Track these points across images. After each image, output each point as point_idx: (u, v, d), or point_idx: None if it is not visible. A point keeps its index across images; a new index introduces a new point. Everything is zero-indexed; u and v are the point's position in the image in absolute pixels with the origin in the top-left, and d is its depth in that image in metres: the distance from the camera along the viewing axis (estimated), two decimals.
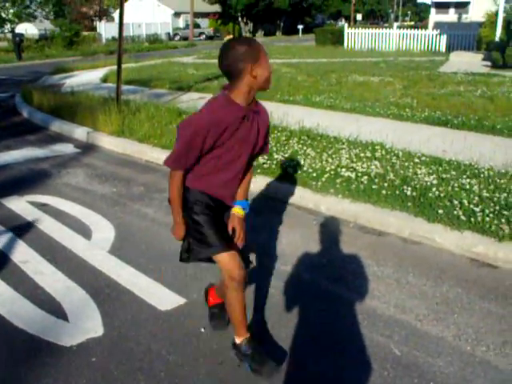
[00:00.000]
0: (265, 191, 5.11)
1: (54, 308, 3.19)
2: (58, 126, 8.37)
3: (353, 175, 5.00)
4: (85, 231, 4.29)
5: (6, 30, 45.34)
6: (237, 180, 2.60)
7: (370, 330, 2.95)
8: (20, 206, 4.89)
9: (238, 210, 2.60)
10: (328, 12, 69.41)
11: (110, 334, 2.94)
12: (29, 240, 4.15)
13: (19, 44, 26.13)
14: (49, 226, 4.43)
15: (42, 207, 4.84)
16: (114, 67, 16.17)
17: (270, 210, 4.78)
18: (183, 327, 3.00)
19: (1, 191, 5.34)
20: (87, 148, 7.15)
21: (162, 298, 3.31)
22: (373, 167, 5.23)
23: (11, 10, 44.10)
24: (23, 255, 3.89)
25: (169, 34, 48.31)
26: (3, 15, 44.35)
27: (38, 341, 2.89)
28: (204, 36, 51.02)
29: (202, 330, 2.96)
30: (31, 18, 46.34)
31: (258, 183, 5.16)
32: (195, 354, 2.76)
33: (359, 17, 59.58)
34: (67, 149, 7.14)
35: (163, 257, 3.83)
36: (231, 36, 42.35)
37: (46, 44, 33.82)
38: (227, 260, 2.49)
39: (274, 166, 5.38)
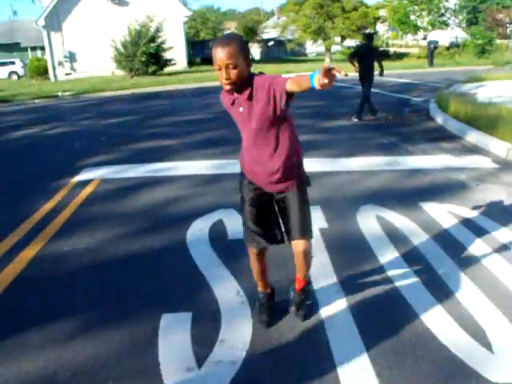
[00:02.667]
0: None
1: (478, 334, 2.98)
2: (474, 136, 8.14)
3: None
4: (510, 256, 3.96)
5: (419, 38, 47.41)
6: (259, 155, 2.79)
7: None
8: (440, 214, 4.86)
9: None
10: None
11: None
12: (450, 253, 4.05)
13: (433, 51, 26.94)
14: (471, 242, 4.24)
15: (463, 220, 4.71)
16: None
17: None
18: None
19: (420, 195, 5.45)
20: (507, 165, 6.70)
21: None
22: None
23: (426, 19, 45.87)
24: (444, 266, 3.81)
25: None
26: (418, 23, 46.49)
27: (461, 364, 2.74)
28: None
29: None
30: (444, 25, 47.27)
31: None
32: None
33: None
34: (484, 162, 6.84)
35: None
36: None
37: (457, 52, 33.96)
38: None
39: None
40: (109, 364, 2.84)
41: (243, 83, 2.63)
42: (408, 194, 5.49)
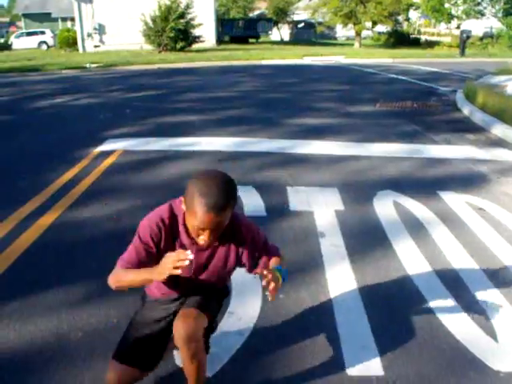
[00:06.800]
0: None
1: (483, 322, 3.01)
2: (499, 129, 8.02)
3: None
4: None
5: (453, 26, 46.40)
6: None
7: None
8: (457, 204, 4.84)
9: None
10: None
11: None
12: (464, 242, 4.04)
13: (465, 41, 26.38)
14: (485, 233, 4.23)
15: (479, 211, 4.68)
16: None
17: None
18: None
19: (440, 184, 5.42)
20: None
21: None
22: None
23: (461, 7, 44.76)
24: (457, 256, 3.82)
25: None
26: (453, 12, 45.41)
27: (463, 350, 2.77)
28: None
29: None
30: (479, 15, 46.09)
31: None
32: None
33: None
34: (508, 156, 6.75)
35: None
36: None
37: (491, 42, 33.22)
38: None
39: None
40: (121, 327, 2.92)
41: None
42: (427, 183, 5.47)
